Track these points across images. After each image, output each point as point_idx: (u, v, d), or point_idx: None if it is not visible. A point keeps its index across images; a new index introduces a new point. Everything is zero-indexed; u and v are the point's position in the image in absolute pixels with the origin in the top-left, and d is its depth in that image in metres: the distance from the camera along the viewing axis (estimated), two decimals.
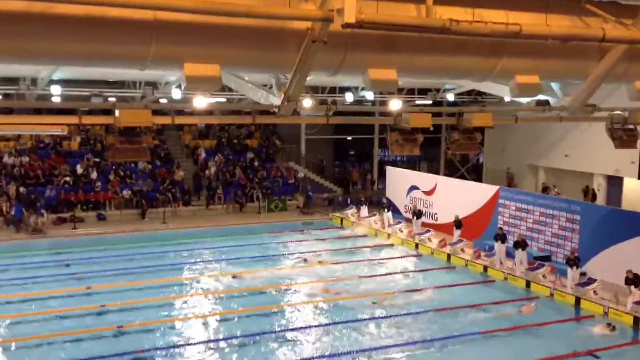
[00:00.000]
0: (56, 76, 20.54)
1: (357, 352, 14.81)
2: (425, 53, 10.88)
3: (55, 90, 22.20)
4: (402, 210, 30.24)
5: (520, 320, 17.06)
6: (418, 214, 26.89)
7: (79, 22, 8.32)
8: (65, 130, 16.99)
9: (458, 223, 24.75)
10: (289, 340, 15.43)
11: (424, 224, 26.98)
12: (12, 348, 14.65)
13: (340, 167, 42.42)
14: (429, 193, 28.82)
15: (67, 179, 31.06)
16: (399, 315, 17.23)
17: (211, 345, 15.14)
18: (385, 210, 28.79)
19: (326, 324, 16.51)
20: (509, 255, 21.56)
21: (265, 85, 14.92)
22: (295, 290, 19.47)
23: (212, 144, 37.41)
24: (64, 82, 22.82)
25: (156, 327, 16.06)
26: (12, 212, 27.22)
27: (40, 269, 21.50)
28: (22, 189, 29.61)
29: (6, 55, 8.62)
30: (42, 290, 18.83)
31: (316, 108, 14.28)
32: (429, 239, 25.30)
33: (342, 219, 30.81)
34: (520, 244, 20.85)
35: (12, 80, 23.78)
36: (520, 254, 20.80)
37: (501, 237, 21.81)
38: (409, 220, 28.06)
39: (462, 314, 17.42)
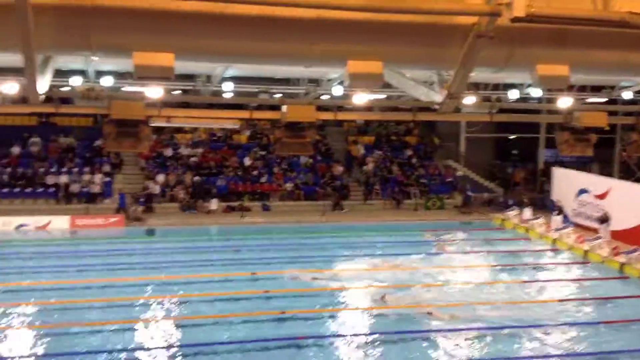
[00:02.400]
0: (228, 73, 21.87)
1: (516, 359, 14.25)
2: (600, 48, 10.14)
3: (227, 86, 23.65)
4: (569, 214, 28.49)
5: None
6: (604, 220, 25.14)
7: (251, 22, 8.80)
8: (237, 124, 18.06)
9: None
10: (440, 341, 15.18)
11: (592, 230, 25.21)
12: (181, 326, 15.85)
13: (501, 167, 40.86)
14: (600, 197, 26.86)
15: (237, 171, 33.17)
16: (562, 325, 16.30)
17: (364, 338, 15.28)
18: (556, 212, 27.35)
19: (483, 328, 15.99)
20: None
21: (426, 82, 14.77)
22: (450, 291, 19.11)
23: (371, 140, 37.81)
24: (235, 79, 24.28)
25: (316, 316, 16.53)
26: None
27: (210, 253, 23.12)
28: (196, 179, 32.06)
29: (187, 53, 9.32)
30: (210, 273, 20.19)
31: (479, 105, 13.91)
32: (600, 247, 23.58)
33: (502, 221, 29.71)
34: None
35: (190, 77, 25.78)
36: None
37: None
38: (579, 226, 26.38)
39: (633, 328, 16.08)
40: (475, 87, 22.91)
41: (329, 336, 15.27)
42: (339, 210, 31.33)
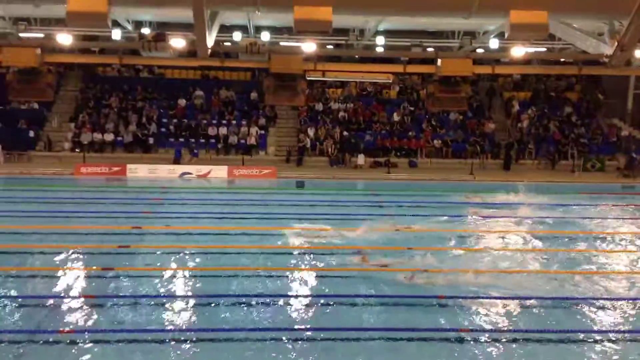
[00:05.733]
0: (381, 27, 21.78)
1: None
2: None
3: (380, 40, 23.58)
4: None
5: None
6: None
7: None
8: (390, 79, 17.93)
9: None
10: (603, 307, 14.38)
11: None
12: (327, 277, 16.19)
13: None
14: None
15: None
16: None
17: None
18: None
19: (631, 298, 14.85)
20: None
21: (594, 33, 13.72)
22: (597, 259, 17.99)
23: (527, 95, 36.04)
24: (388, 33, 24.10)
25: (456, 276, 16.14)
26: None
27: (354, 207, 23.48)
28: (345, 133, 32.55)
29: (345, 6, 9.42)
30: (355, 227, 20.38)
31: None
32: None
33: None
34: None
35: (343, 32, 25.99)
36: None
37: None
38: None
39: None
40: None
41: (469, 297, 14.80)
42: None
